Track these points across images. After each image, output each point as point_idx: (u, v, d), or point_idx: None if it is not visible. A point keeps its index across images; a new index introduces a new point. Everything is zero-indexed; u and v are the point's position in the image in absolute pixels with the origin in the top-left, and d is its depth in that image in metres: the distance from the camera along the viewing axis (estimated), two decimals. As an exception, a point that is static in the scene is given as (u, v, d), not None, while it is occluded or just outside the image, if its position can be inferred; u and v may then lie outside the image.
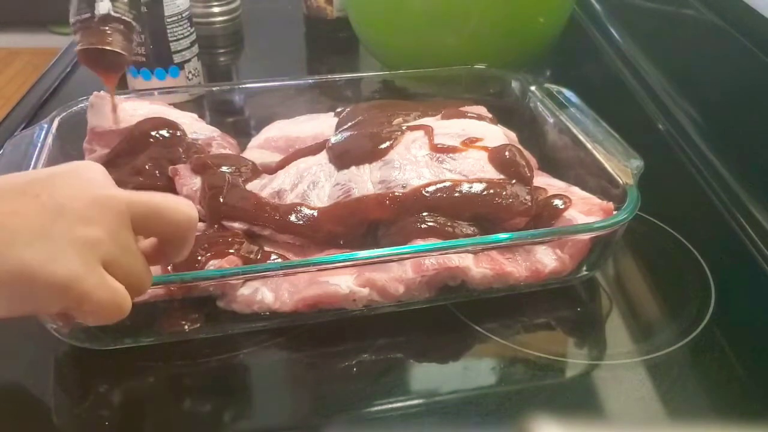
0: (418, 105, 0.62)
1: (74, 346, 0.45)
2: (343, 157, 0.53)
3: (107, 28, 0.45)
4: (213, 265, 0.45)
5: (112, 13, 0.44)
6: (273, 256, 0.48)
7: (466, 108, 0.61)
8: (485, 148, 0.52)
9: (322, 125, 0.61)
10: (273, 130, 0.63)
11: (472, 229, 0.48)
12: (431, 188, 0.49)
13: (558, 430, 0.42)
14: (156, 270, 0.45)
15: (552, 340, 0.48)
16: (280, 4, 1.01)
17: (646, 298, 0.52)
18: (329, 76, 0.69)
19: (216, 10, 0.95)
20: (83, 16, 0.44)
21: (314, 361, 0.46)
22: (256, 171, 0.55)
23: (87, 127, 0.58)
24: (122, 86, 0.76)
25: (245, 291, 0.45)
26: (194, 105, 0.68)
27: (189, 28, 0.73)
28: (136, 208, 0.35)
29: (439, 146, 0.52)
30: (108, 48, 0.46)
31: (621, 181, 0.50)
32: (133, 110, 0.59)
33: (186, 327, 0.45)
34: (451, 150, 0.52)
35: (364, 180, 0.50)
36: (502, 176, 0.50)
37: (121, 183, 0.52)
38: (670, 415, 0.43)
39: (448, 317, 0.48)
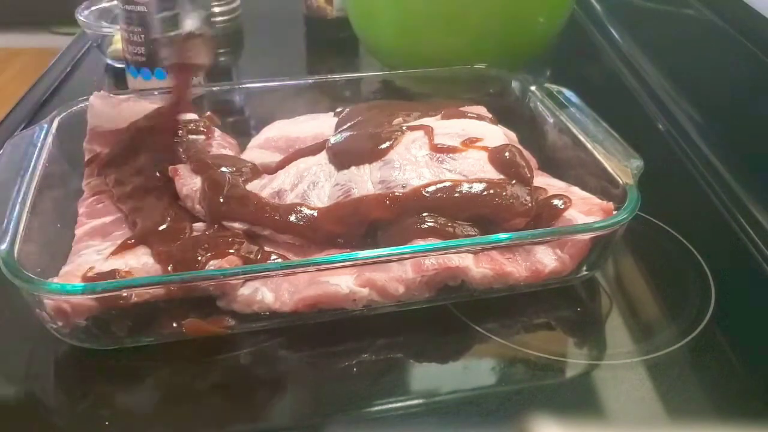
0: (418, 105, 0.62)
1: (74, 346, 0.45)
2: (343, 157, 0.53)
3: (192, 42, 0.51)
4: (213, 265, 0.45)
5: (195, 31, 0.50)
6: (273, 256, 0.48)
7: (466, 108, 0.61)
8: (485, 148, 0.52)
9: (322, 125, 0.61)
10: (273, 130, 0.63)
11: (472, 229, 0.48)
12: (431, 188, 0.49)
13: (558, 430, 0.42)
14: (156, 270, 0.46)
15: (552, 340, 0.48)
16: (280, 4, 1.01)
17: (646, 298, 0.52)
18: (329, 76, 0.69)
19: (216, 10, 0.95)
20: (170, 34, 0.51)
21: (314, 361, 0.46)
22: (256, 171, 0.55)
23: (87, 127, 0.58)
24: (122, 86, 0.76)
25: (245, 291, 0.45)
26: (194, 105, 0.68)
27: (189, 28, 0.73)
28: None
29: (439, 146, 0.52)
30: (196, 62, 0.53)
31: (621, 181, 0.50)
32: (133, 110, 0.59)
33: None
34: (451, 150, 0.52)
35: (364, 180, 0.50)
36: (502, 176, 0.50)
37: (121, 183, 0.53)
38: (670, 415, 0.42)
39: (448, 317, 0.48)
